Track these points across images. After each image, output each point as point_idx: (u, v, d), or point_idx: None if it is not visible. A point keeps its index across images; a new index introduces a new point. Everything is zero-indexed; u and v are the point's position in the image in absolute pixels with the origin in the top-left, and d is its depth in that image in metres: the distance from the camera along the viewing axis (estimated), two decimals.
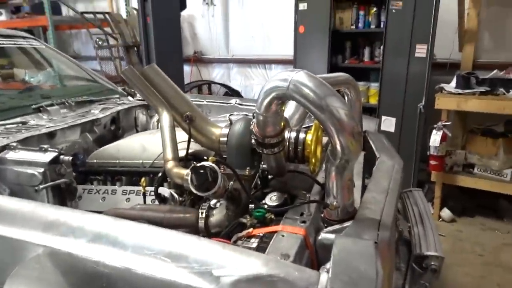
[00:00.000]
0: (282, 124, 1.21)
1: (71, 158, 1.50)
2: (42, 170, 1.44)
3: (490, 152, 3.31)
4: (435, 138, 3.18)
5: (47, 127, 1.78)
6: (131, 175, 1.76)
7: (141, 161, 1.74)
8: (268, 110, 1.11)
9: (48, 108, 1.99)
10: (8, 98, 2.16)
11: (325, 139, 1.53)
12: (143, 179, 1.53)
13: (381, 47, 3.73)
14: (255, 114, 1.16)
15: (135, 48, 5.72)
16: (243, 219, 1.20)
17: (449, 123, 3.25)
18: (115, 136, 2.21)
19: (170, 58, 4.47)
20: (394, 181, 1.38)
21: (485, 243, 3.06)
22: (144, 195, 1.56)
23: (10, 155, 1.49)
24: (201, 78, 5.80)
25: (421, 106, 3.48)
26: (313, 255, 1.09)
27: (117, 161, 1.77)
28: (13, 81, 3.20)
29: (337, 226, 1.12)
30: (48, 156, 1.46)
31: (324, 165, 1.52)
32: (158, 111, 1.44)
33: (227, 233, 1.19)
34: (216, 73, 5.80)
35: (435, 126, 3.23)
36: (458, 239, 3.16)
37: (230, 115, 2.50)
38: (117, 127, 2.25)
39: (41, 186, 1.41)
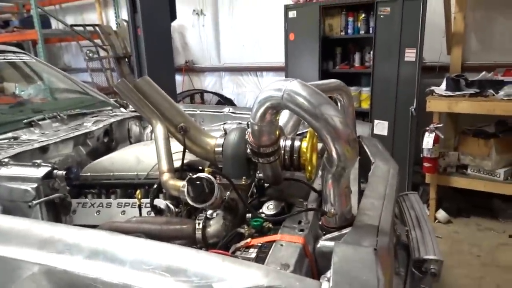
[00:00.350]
0: (277, 133, 1.21)
1: (64, 172, 1.48)
2: (35, 185, 1.41)
3: (483, 153, 3.35)
4: (428, 140, 3.21)
5: (39, 142, 1.76)
6: (126, 187, 1.74)
7: (135, 173, 1.72)
8: (263, 119, 1.11)
9: (40, 122, 1.97)
10: None
11: (320, 145, 1.54)
12: (138, 191, 1.51)
13: (371, 52, 3.77)
14: (249, 124, 1.16)
15: (126, 59, 5.72)
16: (240, 229, 1.19)
17: (441, 125, 3.28)
18: (109, 148, 2.19)
19: (162, 68, 4.46)
20: (390, 186, 1.38)
21: (482, 244, 3.08)
22: (140, 207, 1.54)
23: (2, 171, 1.47)
24: (193, 87, 5.80)
25: (413, 109, 3.52)
26: (313, 264, 1.08)
27: (112, 173, 1.75)
28: (3, 95, 3.17)
29: (335, 234, 1.12)
30: (41, 171, 1.45)
31: (320, 172, 1.52)
32: (152, 123, 1.43)
33: (225, 243, 1.18)
34: (208, 82, 5.81)
35: (427, 128, 3.26)
36: (455, 240, 3.17)
37: (224, 123, 2.51)
38: (111, 139, 2.23)
39: (34, 202, 1.39)
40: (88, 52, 5.65)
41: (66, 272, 0.84)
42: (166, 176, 1.31)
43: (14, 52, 2.57)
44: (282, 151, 1.30)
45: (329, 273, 0.83)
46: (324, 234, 1.16)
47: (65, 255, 0.87)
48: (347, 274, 0.82)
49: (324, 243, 1.11)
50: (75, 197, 1.73)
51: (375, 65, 3.69)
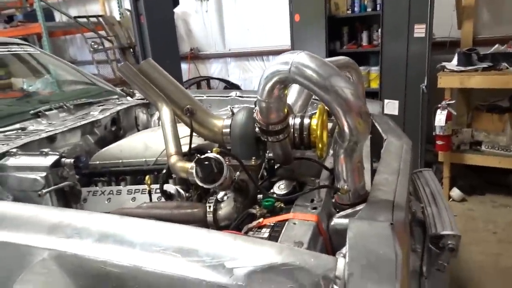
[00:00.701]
0: (286, 109, 1.17)
1: (73, 160, 1.47)
2: (44, 174, 1.41)
3: (497, 128, 3.27)
4: (440, 117, 3.14)
5: (46, 132, 1.75)
6: (135, 174, 1.73)
7: (144, 159, 1.71)
8: (271, 95, 1.08)
9: (47, 113, 1.96)
10: (6, 105, 2.13)
11: (330, 125, 1.50)
12: (147, 177, 1.50)
13: (379, 30, 3.67)
14: (257, 101, 1.13)
15: (131, 50, 5.70)
16: (252, 210, 1.16)
17: (453, 101, 3.19)
18: (117, 136, 2.18)
19: (167, 57, 4.43)
20: (405, 161, 1.34)
21: (498, 220, 3.03)
22: (150, 193, 1.53)
23: (11, 161, 1.46)
24: (199, 75, 5.76)
25: (424, 87, 3.43)
26: (327, 242, 1.06)
27: (120, 161, 1.75)
28: (11, 91, 3.17)
29: (349, 211, 1.09)
30: (49, 160, 1.44)
31: (331, 151, 1.49)
32: (158, 106, 1.40)
33: (236, 225, 1.16)
34: (214, 69, 5.76)
35: (439, 105, 3.18)
36: (470, 218, 3.12)
37: (232, 107, 2.48)
38: (118, 128, 2.22)
39: (44, 191, 1.39)
40: (92, 43, 5.63)
41: (76, 256, 0.82)
42: (174, 159, 1.28)
43: (18, 44, 2.56)
44: (292, 129, 1.26)
45: (344, 249, 0.80)
46: (338, 212, 1.13)
47: (75, 239, 0.85)
48: (363, 249, 0.79)
49: (338, 220, 1.09)
50: (85, 186, 1.73)
51: (383, 43, 3.60)
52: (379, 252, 0.79)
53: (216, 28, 5.51)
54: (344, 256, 0.78)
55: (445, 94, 3.24)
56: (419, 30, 3.37)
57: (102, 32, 5.75)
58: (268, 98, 1.08)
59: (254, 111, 1.20)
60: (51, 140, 1.75)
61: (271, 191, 1.25)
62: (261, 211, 1.15)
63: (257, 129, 1.21)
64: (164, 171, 1.47)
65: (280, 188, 1.24)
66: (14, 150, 1.51)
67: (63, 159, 1.46)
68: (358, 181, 1.11)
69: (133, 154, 1.74)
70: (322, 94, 0.98)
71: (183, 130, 1.48)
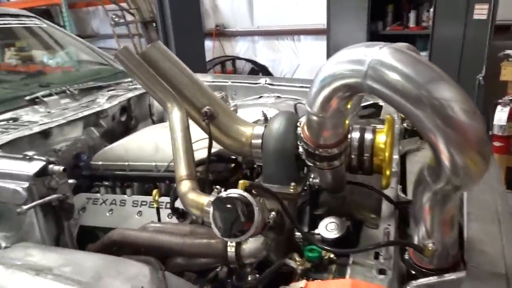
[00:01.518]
0: (346, 126, 0.81)
1: (62, 168, 1.17)
2: (26, 185, 1.12)
3: None
4: (501, 115, 2.70)
5: (40, 124, 1.47)
6: (143, 180, 1.47)
7: (154, 164, 1.41)
8: (327, 108, 0.72)
9: (45, 99, 1.68)
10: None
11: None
12: (155, 191, 1.21)
13: (431, 9, 3.28)
14: (306, 114, 0.78)
15: (154, 24, 5.37)
16: (290, 261, 0.84)
17: None
18: (128, 128, 1.90)
19: (190, 33, 4.08)
20: (501, 196, 0.97)
21: None
22: (158, 210, 1.26)
23: None
24: (224, 54, 5.39)
25: (481, 78, 3.03)
26: None
27: (126, 163, 1.46)
28: (32, 64, 2.95)
29: (433, 279, 0.75)
30: (33, 167, 1.14)
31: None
32: (167, 107, 1.05)
33: (265, 278, 0.86)
34: (240, 48, 5.38)
35: (500, 101, 2.73)
36: None
37: (260, 97, 2.14)
38: (129, 117, 1.93)
39: (24, 207, 1.09)
40: (114, 16, 5.33)
41: None
42: (185, 187, 0.94)
43: (27, 17, 2.32)
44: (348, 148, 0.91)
45: None
46: (413, 276, 0.79)
47: None
48: None
49: None
50: (86, 190, 1.48)
51: (435, 24, 3.21)
52: None
53: (244, 2, 5.10)
54: None
55: (508, 87, 2.79)
56: (481, 11, 2.94)
57: (124, 4, 5.44)
58: (323, 111, 0.73)
59: (298, 124, 0.85)
60: (45, 135, 1.47)
61: (316, 231, 0.92)
62: (303, 265, 0.83)
63: (300, 148, 0.87)
64: None
65: (329, 229, 0.91)
66: None
67: (50, 166, 1.16)
68: (448, 237, 0.76)
69: (142, 157, 1.45)
70: (412, 110, 0.62)
71: (200, 132, 1.15)
